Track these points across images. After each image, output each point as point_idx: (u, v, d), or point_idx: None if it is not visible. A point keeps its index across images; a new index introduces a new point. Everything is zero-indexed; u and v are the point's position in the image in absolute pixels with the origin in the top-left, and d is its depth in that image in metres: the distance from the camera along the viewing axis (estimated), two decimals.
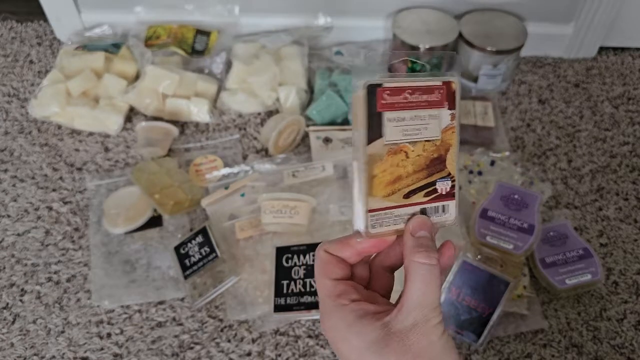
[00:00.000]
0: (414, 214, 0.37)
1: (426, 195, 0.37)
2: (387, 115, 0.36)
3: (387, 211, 0.36)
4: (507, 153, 0.92)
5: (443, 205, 0.38)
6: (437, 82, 0.37)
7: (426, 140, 0.37)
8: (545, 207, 0.89)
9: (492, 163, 0.91)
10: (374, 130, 0.35)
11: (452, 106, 0.37)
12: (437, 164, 0.37)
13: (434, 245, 0.36)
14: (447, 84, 0.37)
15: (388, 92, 0.35)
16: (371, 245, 0.37)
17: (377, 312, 0.35)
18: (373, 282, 0.40)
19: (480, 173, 0.89)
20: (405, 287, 0.35)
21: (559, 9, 1.09)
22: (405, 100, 0.36)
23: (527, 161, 0.96)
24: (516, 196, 0.82)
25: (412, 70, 1.07)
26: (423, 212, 0.37)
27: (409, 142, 0.36)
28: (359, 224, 0.36)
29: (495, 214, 0.80)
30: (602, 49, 1.17)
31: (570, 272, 0.78)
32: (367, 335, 0.34)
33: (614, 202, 0.91)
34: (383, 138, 0.36)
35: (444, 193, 0.38)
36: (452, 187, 0.38)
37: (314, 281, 0.74)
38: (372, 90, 0.35)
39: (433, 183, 0.37)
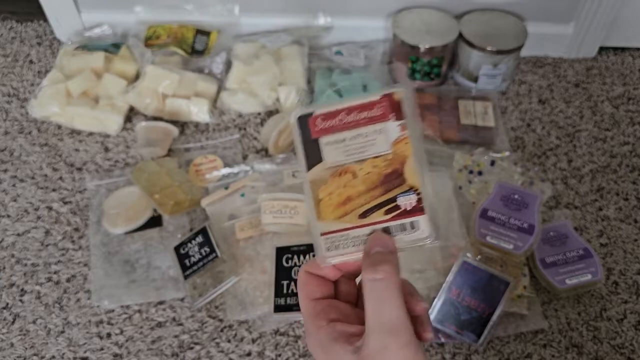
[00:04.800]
0: (373, 233, 0.35)
1: (387, 212, 0.35)
2: (324, 139, 0.36)
3: (342, 233, 0.35)
4: (507, 153, 0.92)
5: (411, 222, 0.35)
6: (374, 97, 0.36)
7: (375, 157, 0.36)
8: (545, 207, 0.89)
9: (492, 163, 0.91)
10: (313, 156, 0.36)
11: (399, 117, 0.35)
12: (393, 178, 0.35)
13: (390, 260, 0.33)
14: (389, 96, 0.36)
15: (321, 117, 0.36)
16: (339, 267, 0.36)
17: (353, 335, 0.34)
18: (361, 298, 0.38)
19: (480, 173, 0.89)
20: (364, 308, 0.33)
21: (559, 9, 1.09)
22: (342, 122, 0.36)
23: (527, 161, 0.96)
24: (516, 196, 0.82)
25: (413, 70, 1.07)
26: (386, 231, 0.35)
27: (355, 162, 0.36)
28: (315, 248, 0.36)
29: (495, 214, 0.80)
30: (602, 49, 1.17)
31: (571, 272, 0.78)
32: (341, 359, 0.33)
33: (614, 202, 0.91)
34: (323, 162, 0.36)
35: (409, 209, 0.35)
36: (419, 200, 0.35)
37: None
38: (304, 120, 0.37)
39: (393, 199, 0.35)
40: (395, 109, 0.36)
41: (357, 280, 0.39)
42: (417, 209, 0.35)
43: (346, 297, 0.38)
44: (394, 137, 0.35)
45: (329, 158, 0.36)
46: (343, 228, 0.36)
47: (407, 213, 0.35)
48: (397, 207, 0.35)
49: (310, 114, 0.37)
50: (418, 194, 0.35)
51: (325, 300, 0.37)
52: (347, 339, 0.34)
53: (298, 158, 0.37)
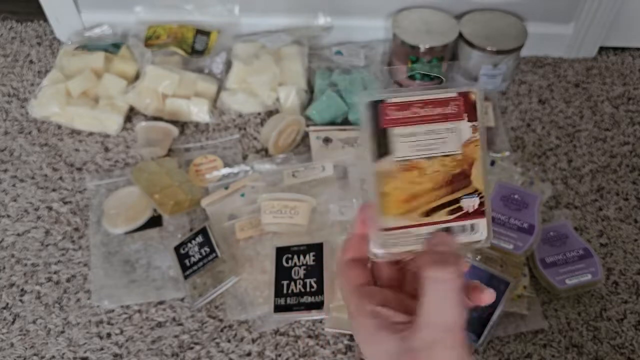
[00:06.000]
0: (436, 232, 0.35)
1: (450, 213, 0.35)
2: (396, 131, 0.34)
3: (404, 230, 0.35)
4: (507, 153, 0.92)
5: (471, 224, 0.35)
6: (451, 93, 0.35)
7: (444, 155, 0.35)
8: (545, 207, 0.89)
9: (492, 163, 0.91)
10: (381, 147, 0.34)
11: (472, 118, 0.35)
12: (460, 179, 0.35)
13: (454, 261, 0.33)
14: (465, 94, 0.35)
15: (393, 107, 0.34)
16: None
17: (397, 323, 0.34)
18: (405, 284, 0.38)
19: None
20: (419, 303, 0.33)
21: (559, 9, 1.09)
22: (415, 115, 0.34)
23: (527, 161, 0.96)
24: (516, 196, 0.82)
25: (412, 70, 1.07)
26: (447, 231, 0.35)
27: (424, 158, 0.35)
28: (373, 243, 0.35)
29: (495, 214, 0.80)
30: (602, 49, 1.17)
31: (571, 272, 0.78)
32: (385, 346, 0.33)
33: (614, 202, 0.91)
34: (392, 155, 0.34)
35: (471, 211, 0.35)
36: (481, 204, 0.35)
37: (314, 281, 0.74)
38: (373, 106, 0.34)
39: (457, 200, 0.35)
40: (469, 109, 0.35)
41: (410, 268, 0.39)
42: (479, 212, 0.35)
43: (389, 282, 0.38)
44: (466, 138, 0.35)
45: (399, 151, 0.35)
46: (405, 225, 0.35)
47: (469, 215, 0.35)
48: (460, 208, 0.35)
49: (381, 101, 0.34)
50: (481, 197, 0.35)
51: (368, 287, 0.37)
52: (392, 327, 0.34)
53: (365, 146, 0.35)
